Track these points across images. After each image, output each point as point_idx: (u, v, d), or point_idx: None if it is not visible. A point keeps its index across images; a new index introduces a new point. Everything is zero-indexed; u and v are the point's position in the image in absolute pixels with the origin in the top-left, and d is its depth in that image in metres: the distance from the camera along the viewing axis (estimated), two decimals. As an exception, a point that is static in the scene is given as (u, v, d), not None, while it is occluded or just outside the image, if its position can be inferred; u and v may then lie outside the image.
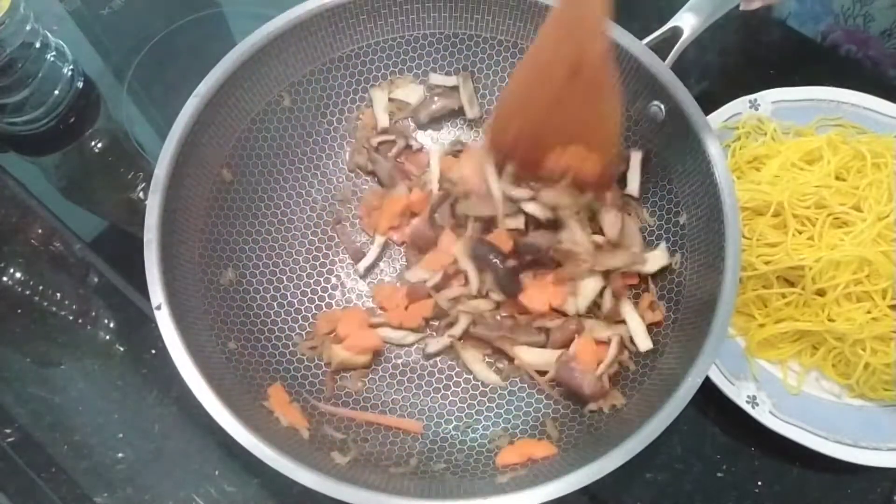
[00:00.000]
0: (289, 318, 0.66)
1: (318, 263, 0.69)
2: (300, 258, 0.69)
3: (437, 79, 0.73)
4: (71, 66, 0.81)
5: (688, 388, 0.50)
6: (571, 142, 0.56)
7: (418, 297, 0.66)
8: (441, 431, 0.61)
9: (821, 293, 0.63)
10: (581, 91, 0.52)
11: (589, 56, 0.50)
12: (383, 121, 0.72)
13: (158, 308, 0.54)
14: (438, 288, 0.65)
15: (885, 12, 0.80)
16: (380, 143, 0.72)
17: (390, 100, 0.73)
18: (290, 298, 0.67)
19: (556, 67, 0.52)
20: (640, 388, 0.58)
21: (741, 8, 0.65)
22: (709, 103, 0.68)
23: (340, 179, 0.72)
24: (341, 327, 0.64)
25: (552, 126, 0.56)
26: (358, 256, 0.69)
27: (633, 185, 0.66)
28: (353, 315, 0.66)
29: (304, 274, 0.69)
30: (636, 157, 0.67)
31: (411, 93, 0.73)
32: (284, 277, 0.68)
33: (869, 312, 0.62)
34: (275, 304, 0.66)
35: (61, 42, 0.81)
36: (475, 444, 0.60)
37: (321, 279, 0.69)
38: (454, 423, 0.62)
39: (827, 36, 0.88)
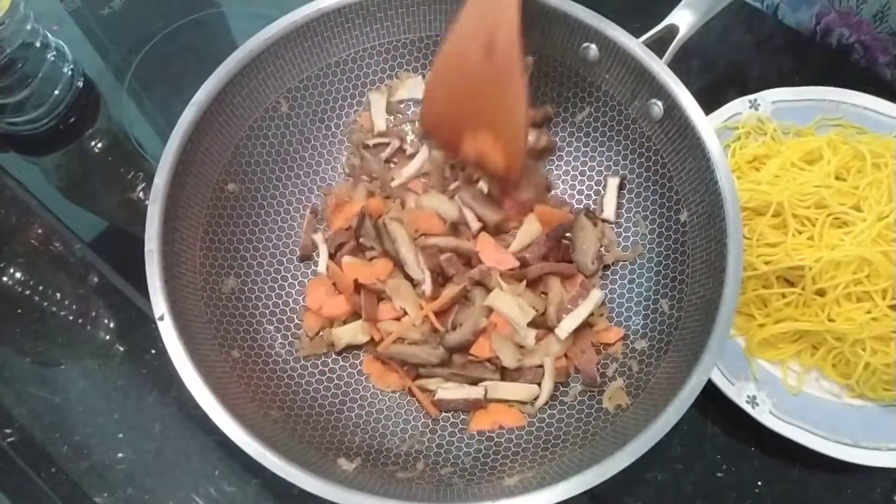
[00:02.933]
0: (291, 325, 0.66)
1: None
2: (301, 264, 0.69)
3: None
4: (71, 66, 0.81)
5: (692, 386, 0.50)
6: (482, 126, 0.58)
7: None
8: (447, 435, 0.61)
9: (821, 293, 0.63)
10: (492, 74, 0.54)
11: (501, 37, 0.52)
12: (380, 124, 0.72)
13: (161, 318, 0.53)
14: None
15: None
16: (375, 145, 0.72)
17: (399, 102, 0.73)
18: (292, 305, 0.67)
19: (472, 48, 0.54)
20: (644, 388, 0.58)
21: None
22: (709, 103, 0.68)
23: (340, 184, 0.72)
24: (310, 300, 0.65)
25: (467, 108, 0.58)
26: (307, 253, 0.69)
27: (609, 209, 0.68)
28: (318, 285, 0.67)
29: (306, 280, 0.68)
30: (613, 183, 0.68)
31: (414, 87, 0.72)
32: (286, 284, 0.67)
33: (869, 312, 0.62)
34: (277, 310, 0.66)
35: (61, 42, 0.81)
36: (482, 448, 0.60)
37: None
38: (460, 426, 0.62)
39: (821, 19, 0.89)
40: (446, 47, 0.59)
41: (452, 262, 0.64)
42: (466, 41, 0.56)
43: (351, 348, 0.65)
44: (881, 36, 0.84)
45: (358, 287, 0.64)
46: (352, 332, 0.64)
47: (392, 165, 0.73)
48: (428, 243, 0.66)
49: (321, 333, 0.65)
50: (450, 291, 0.63)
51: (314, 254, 0.69)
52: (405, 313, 0.64)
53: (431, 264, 0.65)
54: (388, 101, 0.73)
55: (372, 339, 0.65)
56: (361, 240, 0.67)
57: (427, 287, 0.64)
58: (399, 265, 0.65)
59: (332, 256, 0.68)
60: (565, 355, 0.63)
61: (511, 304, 0.62)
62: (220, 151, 0.64)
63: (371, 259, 0.67)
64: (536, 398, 0.62)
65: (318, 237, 0.69)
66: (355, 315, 0.65)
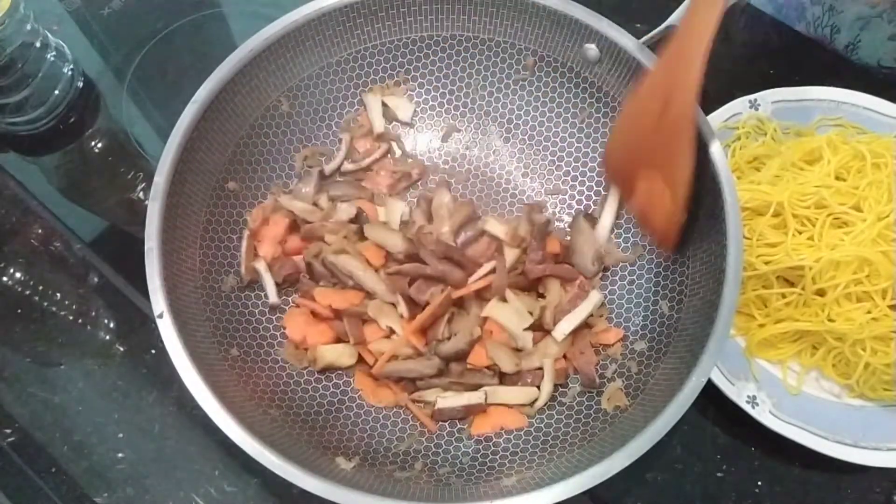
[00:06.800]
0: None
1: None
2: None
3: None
4: (71, 66, 0.81)
5: (692, 387, 0.50)
6: (654, 171, 0.60)
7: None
8: (445, 434, 0.61)
9: (821, 293, 0.63)
10: (667, 127, 0.57)
11: (679, 98, 0.55)
12: (378, 125, 0.72)
13: (160, 317, 0.54)
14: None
15: (850, 26, 0.81)
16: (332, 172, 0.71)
17: (383, 104, 0.73)
18: (291, 304, 0.67)
19: (652, 105, 0.58)
20: (643, 389, 0.58)
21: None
22: (709, 103, 0.68)
23: (261, 207, 0.68)
24: (291, 332, 0.63)
25: (643, 157, 0.61)
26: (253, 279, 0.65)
27: (610, 210, 0.68)
28: (296, 316, 0.64)
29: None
30: (614, 195, 0.68)
31: (402, 106, 0.72)
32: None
33: (869, 312, 0.62)
34: (276, 310, 0.66)
35: (61, 42, 0.81)
36: (480, 448, 0.60)
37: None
38: (459, 426, 0.62)
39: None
40: (630, 101, 0.62)
41: (421, 289, 0.61)
42: (648, 97, 0.58)
43: (335, 368, 0.63)
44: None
45: (338, 313, 0.62)
46: (336, 353, 0.62)
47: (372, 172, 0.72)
48: (390, 271, 0.63)
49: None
50: (429, 309, 0.61)
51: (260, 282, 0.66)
52: (393, 331, 0.62)
53: (401, 288, 0.62)
54: (382, 105, 0.72)
55: (361, 359, 0.63)
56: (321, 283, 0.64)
57: (403, 310, 0.62)
58: (368, 293, 0.63)
59: (279, 286, 0.65)
60: (564, 356, 0.63)
61: (509, 315, 0.62)
62: (221, 150, 0.64)
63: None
64: (535, 400, 0.62)
65: (261, 266, 0.65)
66: (341, 340, 0.63)
